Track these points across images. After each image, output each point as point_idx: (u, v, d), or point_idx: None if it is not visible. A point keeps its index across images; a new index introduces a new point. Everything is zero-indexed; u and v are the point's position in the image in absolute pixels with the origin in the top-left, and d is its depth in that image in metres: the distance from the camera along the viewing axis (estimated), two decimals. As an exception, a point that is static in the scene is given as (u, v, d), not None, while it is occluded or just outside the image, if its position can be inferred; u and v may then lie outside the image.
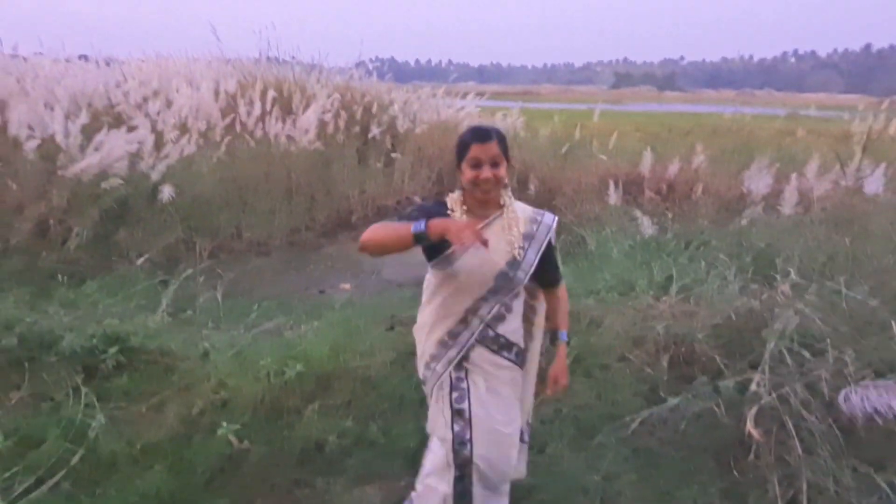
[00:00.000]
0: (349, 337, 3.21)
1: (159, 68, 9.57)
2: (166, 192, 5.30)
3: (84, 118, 5.92)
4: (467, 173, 1.71)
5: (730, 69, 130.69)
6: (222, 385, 2.71)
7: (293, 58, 10.65)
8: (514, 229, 1.77)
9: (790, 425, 2.22)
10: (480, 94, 13.97)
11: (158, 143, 6.24)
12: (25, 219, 4.92)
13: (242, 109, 7.79)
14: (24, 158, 5.39)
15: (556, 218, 1.88)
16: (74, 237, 4.89)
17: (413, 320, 3.63)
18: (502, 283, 1.75)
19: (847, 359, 2.34)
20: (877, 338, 2.55)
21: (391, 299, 4.58)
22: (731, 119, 12.02)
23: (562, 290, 1.96)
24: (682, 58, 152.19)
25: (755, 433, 2.23)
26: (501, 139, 1.74)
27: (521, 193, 7.36)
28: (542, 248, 1.80)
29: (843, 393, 2.13)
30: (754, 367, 2.72)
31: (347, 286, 5.24)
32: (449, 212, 1.76)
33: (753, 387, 2.41)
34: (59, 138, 5.63)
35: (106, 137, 5.62)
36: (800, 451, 2.16)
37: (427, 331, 1.86)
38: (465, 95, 11.93)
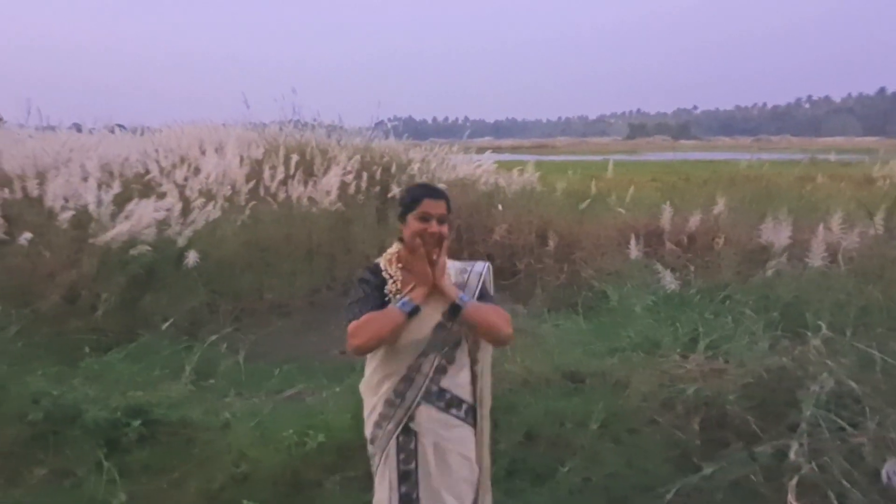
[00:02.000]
0: (370, 404, 3.16)
1: (187, 136, 9.98)
2: (191, 257, 5.41)
3: (116, 188, 6.17)
4: (414, 225, 1.74)
5: (744, 116, 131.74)
6: (243, 457, 2.68)
7: (315, 120, 11.08)
8: (448, 281, 1.78)
9: (833, 498, 2.10)
10: (496, 150, 14.29)
11: (185, 209, 6.43)
12: (56, 286, 5.05)
13: (266, 174, 8.04)
14: (57, 228, 5.59)
15: (488, 265, 1.91)
16: (102, 303, 4.99)
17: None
18: (441, 336, 1.76)
19: (889, 425, 2.23)
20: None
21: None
22: (749, 166, 12.01)
23: (503, 312, 1.84)
24: (695, 107, 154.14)
25: (797, 506, 2.11)
26: (450, 202, 1.82)
27: (540, 248, 7.36)
28: (476, 294, 1.81)
29: (886, 467, 2.01)
30: (791, 429, 2.61)
31: (369, 347, 5.21)
32: (385, 274, 1.79)
33: (792, 455, 2.30)
34: (91, 208, 5.85)
35: (136, 206, 5.82)
36: (846, 526, 2.04)
37: (373, 389, 1.85)
38: (480, 151, 12.19)
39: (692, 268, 5.79)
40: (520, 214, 7.84)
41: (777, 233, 5.43)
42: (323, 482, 2.61)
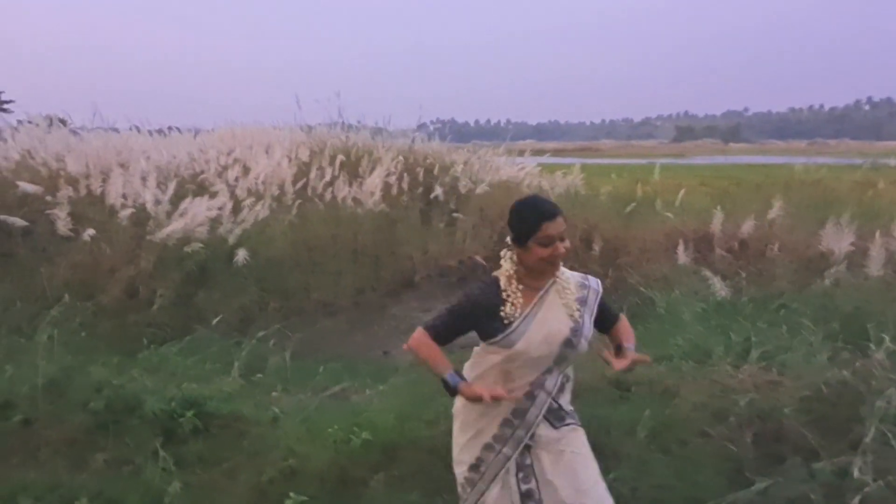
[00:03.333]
0: (414, 404, 3.19)
1: (238, 138, 10.29)
2: (241, 255, 5.58)
3: (172, 187, 6.42)
4: (538, 252, 1.68)
5: (798, 119, 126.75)
6: (291, 452, 2.74)
7: (359, 122, 11.25)
8: (568, 292, 1.77)
9: (902, 519, 2.00)
10: (539, 152, 14.16)
11: (235, 208, 6.63)
12: (117, 281, 5.29)
13: (313, 174, 8.21)
14: (118, 225, 5.86)
15: (599, 281, 1.90)
16: (159, 298, 5.19)
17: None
18: (567, 351, 1.73)
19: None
20: None
21: (454, 361, 4.55)
22: (804, 170, 11.51)
23: (623, 321, 1.94)
24: (746, 109, 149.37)
25: (861, 527, 2.01)
26: (563, 214, 1.76)
27: (585, 253, 7.26)
28: (594, 312, 1.81)
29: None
30: (853, 447, 2.49)
31: (411, 347, 5.25)
32: (502, 292, 1.74)
33: (856, 473, 2.20)
34: (149, 206, 6.11)
35: (190, 205, 6.04)
36: (916, 550, 1.93)
37: (484, 410, 1.76)
38: (522, 153, 12.11)
39: (744, 275, 5.60)
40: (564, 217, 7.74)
41: (837, 240, 5.20)
42: (368, 480, 2.64)
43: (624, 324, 1.92)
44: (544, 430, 1.76)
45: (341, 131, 10.65)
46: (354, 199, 7.86)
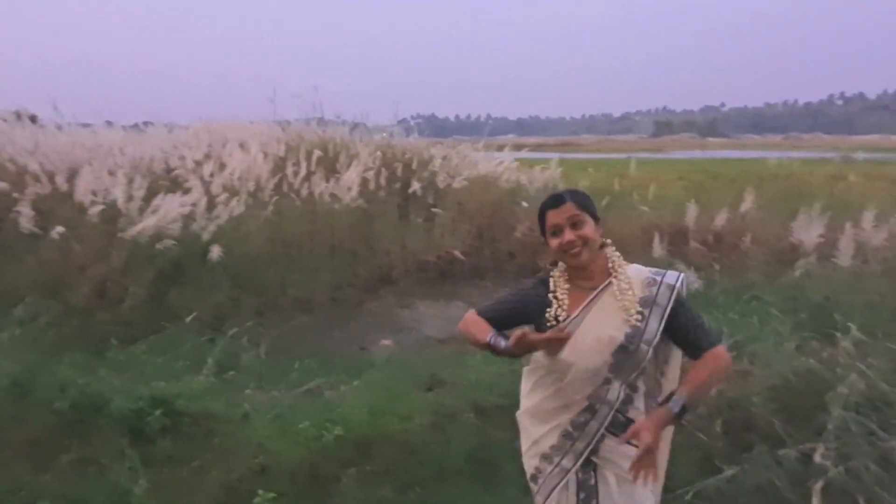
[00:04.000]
0: (388, 399, 3.18)
1: (213, 133, 10.13)
2: (215, 251, 5.50)
3: (144, 183, 6.30)
4: (552, 243, 1.58)
5: (774, 114, 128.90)
6: (262, 449, 2.71)
7: (338, 117, 11.16)
8: (629, 294, 1.55)
9: (862, 503, 2.04)
10: (519, 147, 14.19)
11: (210, 205, 6.53)
12: (87, 279, 5.18)
13: (290, 170, 8.12)
14: (87, 222, 5.73)
15: (682, 276, 1.60)
16: (130, 296, 5.10)
17: (454, 380, 3.60)
18: (624, 360, 1.53)
19: (922, 429, 2.15)
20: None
21: (431, 357, 4.55)
22: (778, 164, 11.74)
23: (712, 354, 1.53)
24: (722, 104, 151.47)
25: (823, 511, 2.05)
26: (579, 199, 1.59)
27: (562, 246, 7.29)
28: (667, 313, 1.54)
29: (919, 471, 1.95)
30: (818, 434, 2.54)
31: (388, 342, 5.23)
32: (550, 294, 1.62)
33: (818, 458, 2.24)
34: (120, 202, 5.99)
35: (163, 201, 5.94)
36: (876, 533, 1.97)
37: (544, 418, 1.65)
38: (502, 148, 12.13)
39: (717, 267, 5.68)
40: (542, 212, 7.78)
41: (807, 232, 5.29)
42: (340, 476, 2.63)
43: (708, 361, 1.52)
44: (611, 444, 1.58)
45: (318, 126, 10.54)
46: (332, 195, 7.79)
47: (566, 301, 1.59)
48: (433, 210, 8.22)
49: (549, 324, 1.59)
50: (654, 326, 1.53)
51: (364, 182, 8.19)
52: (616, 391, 1.56)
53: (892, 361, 2.79)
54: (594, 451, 1.59)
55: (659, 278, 1.59)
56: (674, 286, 1.56)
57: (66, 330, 4.28)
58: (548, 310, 1.60)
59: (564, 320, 1.57)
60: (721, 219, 6.66)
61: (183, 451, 2.75)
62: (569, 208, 1.56)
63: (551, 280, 1.64)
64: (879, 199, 6.85)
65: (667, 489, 2.57)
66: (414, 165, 9.42)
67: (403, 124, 12.01)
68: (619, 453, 1.57)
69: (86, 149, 7.94)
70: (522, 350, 1.54)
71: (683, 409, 1.46)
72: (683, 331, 1.55)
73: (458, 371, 3.69)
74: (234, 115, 11.55)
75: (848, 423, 2.36)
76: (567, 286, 1.61)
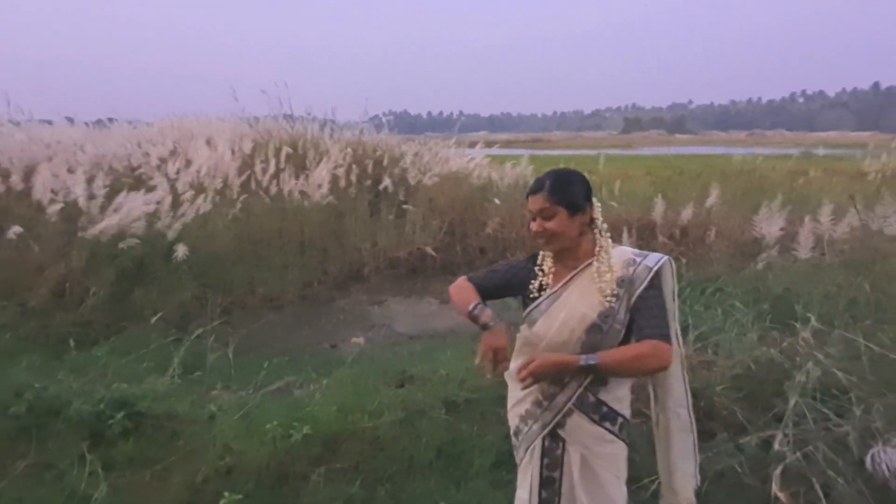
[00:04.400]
0: (358, 396, 3.15)
1: (178, 129, 9.92)
2: (181, 250, 5.38)
3: (106, 181, 6.13)
4: (530, 225, 1.63)
5: (738, 111, 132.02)
6: (228, 450, 2.66)
7: (308, 114, 11.02)
8: (607, 276, 1.57)
9: (818, 487, 2.10)
10: (490, 144, 14.23)
11: (175, 203, 6.40)
12: (45, 280, 5.02)
13: (258, 167, 8.00)
14: (46, 221, 5.55)
15: (665, 258, 1.59)
16: (91, 297, 4.96)
17: (424, 376, 3.59)
18: (597, 339, 1.56)
19: (874, 414, 2.23)
20: (904, 390, 2.44)
21: (402, 353, 4.53)
22: (742, 160, 12.02)
23: (651, 342, 1.50)
24: (690, 101, 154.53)
25: (781, 495, 2.11)
26: (556, 191, 1.58)
27: (532, 242, 7.34)
28: (638, 293, 1.55)
29: (871, 452, 2.01)
30: (778, 420, 2.61)
31: (360, 340, 5.20)
32: (537, 267, 1.68)
33: (777, 445, 2.30)
34: (80, 201, 5.81)
35: (125, 199, 5.78)
36: (830, 515, 2.04)
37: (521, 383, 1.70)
38: (474, 145, 12.15)
39: (684, 260, 5.80)
40: (512, 208, 7.82)
41: (769, 225, 5.43)
42: (308, 474, 2.60)
43: (644, 343, 1.51)
44: (579, 422, 1.62)
45: (287, 123, 10.40)
46: (301, 192, 7.70)
47: (550, 276, 1.66)
48: (404, 206, 8.20)
49: (531, 295, 1.66)
50: (626, 308, 1.57)
51: (334, 179, 8.12)
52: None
53: (847, 350, 2.88)
54: (560, 425, 1.63)
55: (640, 259, 1.60)
56: (651, 268, 1.57)
57: (23, 332, 4.15)
58: (532, 281, 1.67)
59: (544, 294, 1.64)
60: (687, 213, 6.80)
61: (146, 454, 2.69)
62: (539, 200, 1.59)
63: (541, 255, 1.70)
64: (837, 194, 7.08)
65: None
66: (385, 162, 9.38)
67: (375, 121, 11.93)
68: (587, 432, 1.61)
69: (44, 145, 7.71)
70: (486, 338, 1.62)
71: (590, 368, 1.48)
72: (638, 312, 1.56)
73: (429, 367, 3.68)
74: (201, 112, 11.29)
75: (805, 411, 2.43)
76: (552, 263, 1.67)
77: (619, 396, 1.63)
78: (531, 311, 1.65)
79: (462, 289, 1.74)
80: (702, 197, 7.08)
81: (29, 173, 6.30)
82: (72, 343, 3.60)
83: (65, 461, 2.58)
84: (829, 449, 2.21)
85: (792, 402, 2.42)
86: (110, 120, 11.64)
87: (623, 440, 1.68)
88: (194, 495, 2.44)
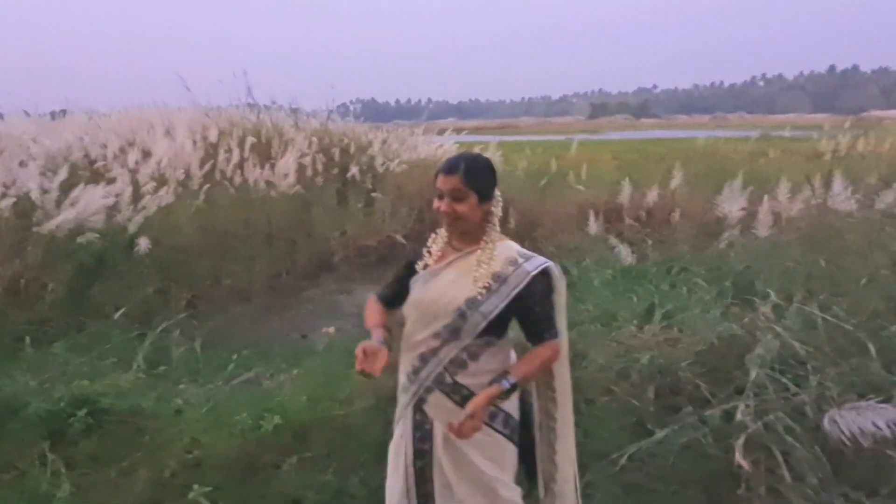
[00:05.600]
0: (328, 385, 3.13)
1: (136, 120, 9.61)
2: (143, 244, 5.23)
3: (62, 174, 5.90)
4: (434, 203, 1.65)
5: (702, 95, 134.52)
6: (195, 443, 2.62)
7: (273, 103, 10.81)
8: (484, 266, 1.62)
9: (777, 454, 2.18)
10: (459, 130, 14.21)
11: (136, 195, 6.21)
12: (-2, 278, 4.82)
13: (221, 157, 7.82)
14: (-3, 217, 5.32)
15: (546, 266, 1.63)
16: (49, 294, 4.78)
17: (395, 363, 3.59)
18: (460, 324, 1.61)
19: (829, 382, 2.31)
20: (857, 359, 2.54)
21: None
22: (705, 143, 12.29)
23: (546, 346, 1.63)
24: (655, 86, 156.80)
25: (744, 464, 2.18)
26: (472, 174, 1.60)
27: (502, 227, 7.38)
28: (512, 294, 1.59)
29: (826, 416, 2.10)
30: (739, 393, 2.69)
31: (330, 329, 5.15)
32: (425, 248, 1.74)
33: (739, 415, 2.37)
34: (34, 195, 5.58)
35: (82, 192, 5.58)
36: (789, 479, 2.11)
37: (404, 353, 1.76)
38: (442, 132, 12.11)
39: (649, 242, 5.90)
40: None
41: (731, 205, 5.57)
42: (279, 464, 2.57)
43: (539, 351, 1.63)
44: (438, 399, 1.67)
45: (251, 112, 10.19)
46: (267, 182, 7.57)
47: (437, 254, 1.71)
48: (372, 195, 8.13)
49: (415, 271, 1.72)
50: (495, 302, 1.59)
51: (301, 168, 8.00)
52: (448, 351, 1.64)
53: (804, 323, 2.98)
54: (423, 401, 1.69)
55: (522, 261, 1.63)
56: (530, 272, 1.61)
57: (-25, 332, 3.98)
58: (419, 262, 1.72)
59: (426, 270, 1.69)
60: (652, 195, 6.91)
61: (109, 452, 2.62)
62: (454, 180, 1.59)
63: (433, 237, 1.76)
64: (795, 173, 7.29)
65: (600, 454, 2.68)
66: (352, 150, 9.28)
67: (342, 109, 11.80)
68: (449, 412, 1.63)
69: (-7, 138, 7.37)
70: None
71: (513, 388, 1.55)
72: (526, 316, 1.64)
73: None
74: (158, 102, 10.94)
75: (764, 381, 2.51)
76: (442, 244, 1.72)
77: (483, 385, 1.59)
78: (412, 283, 1.72)
79: (368, 308, 1.84)
80: (666, 179, 7.21)
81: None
82: (27, 341, 3.48)
83: (25, 461, 2.50)
84: (788, 417, 2.29)
85: (753, 374, 2.50)
86: (63, 112, 11.23)
87: (506, 437, 1.68)
88: (161, 490, 2.39)
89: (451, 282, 1.64)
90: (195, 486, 2.31)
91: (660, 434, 2.62)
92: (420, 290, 1.68)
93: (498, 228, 1.69)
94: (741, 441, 2.30)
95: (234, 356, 3.98)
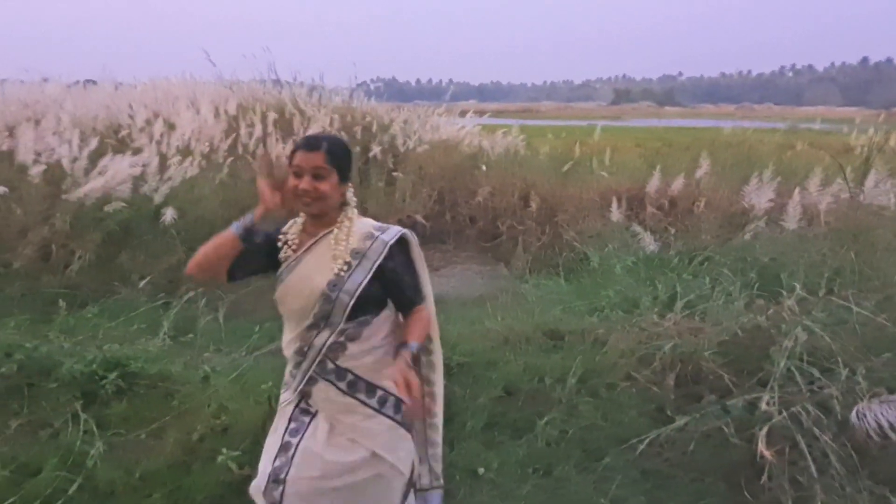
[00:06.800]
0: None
1: (161, 91, 9.67)
2: (169, 214, 5.30)
3: (92, 143, 5.99)
4: (291, 182, 1.56)
5: (728, 84, 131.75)
6: (223, 410, 2.68)
7: (295, 79, 10.81)
8: (342, 244, 1.59)
9: (803, 445, 2.17)
10: (480, 113, 14.08)
11: (161, 166, 6.28)
12: (29, 242, 4.93)
13: (244, 131, 7.86)
14: (29, 183, 5.42)
15: (402, 233, 1.65)
16: (77, 261, 4.89)
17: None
18: (328, 308, 1.57)
19: (858, 376, 2.29)
20: (887, 354, 2.51)
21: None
22: (731, 133, 12.06)
23: (420, 311, 1.68)
24: (680, 73, 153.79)
25: (767, 453, 2.18)
26: (335, 152, 1.57)
27: (522, 211, 7.36)
28: (374, 269, 1.58)
29: (855, 410, 2.08)
30: (763, 385, 2.68)
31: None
32: (281, 234, 1.66)
33: (763, 406, 2.36)
34: (65, 163, 5.68)
35: (111, 161, 5.66)
36: (813, 471, 2.11)
37: (286, 353, 1.71)
38: (464, 114, 12.02)
39: (672, 230, 5.85)
40: (503, 177, 7.80)
41: (758, 197, 5.48)
42: (303, 434, 2.62)
43: (419, 317, 1.66)
44: (323, 389, 1.63)
45: (273, 87, 10.20)
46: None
47: (295, 242, 1.64)
48: (393, 174, 8.13)
49: (279, 263, 1.65)
50: (359, 279, 1.57)
51: (323, 145, 8.00)
52: (325, 337, 1.59)
53: (832, 315, 2.94)
54: (308, 394, 1.65)
55: (378, 233, 1.63)
56: (387, 243, 1.60)
57: (9, 294, 4.09)
58: (280, 253, 1.64)
59: (286, 262, 1.63)
60: (677, 184, 6.82)
61: (140, 414, 2.70)
62: (317, 158, 1.54)
63: (290, 223, 1.68)
64: (825, 167, 7.14)
65: (620, 439, 2.70)
66: (374, 129, 9.26)
67: (363, 87, 11.74)
68: (337, 404, 1.62)
69: (23, 105, 7.48)
70: (259, 214, 1.57)
71: (419, 351, 1.64)
72: (390, 285, 1.63)
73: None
74: (184, 74, 10.99)
75: (793, 372, 2.49)
76: (300, 229, 1.65)
77: (369, 366, 1.62)
78: (276, 278, 1.66)
79: (204, 245, 1.64)
80: (691, 168, 7.11)
81: (9, 134, 6.12)
82: (62, 304, 3.56)
83: (58, 420, 2.58)
84: (815, 409, 2.28)
85: (782, 364, 2.48)
86: (89, 81, 11.31)
87: (390, 417, 1.65)
88: (190, 453, 2.46)
89: (311, 268, 1.59)
90: (224, 451, 2.37)
91: (680, 421, 2.62)
92: (284, 285, 1.63)
93: (355, 209, 1.65)
94: (764, 431, 2.30)
95: (257, 328, 4.04)
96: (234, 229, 1.56)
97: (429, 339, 1.79)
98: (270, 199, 1.55)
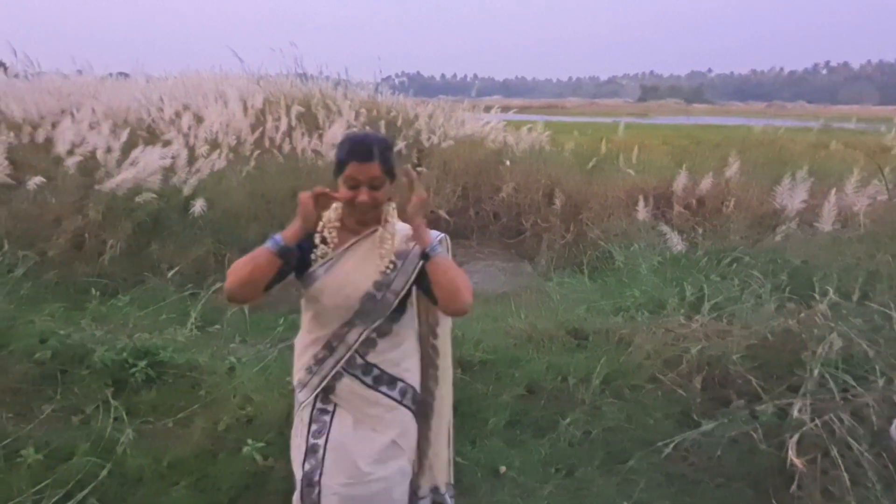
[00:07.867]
0: (375, 353, 3.18)
1: (190, 85, 9.83)
2: (198, 205, 5.38)
3: (125, 135, 6.12)
4: (343, 192, 1.53)
5: (759, 81, 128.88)
6: (248, 401, 2.71)
7: (321, 73, 10.90)
8: (388, 244, 1.58)
9: (835, 454, 2.12)
10: (505, 108, 14.03)
11: (191, 158, 6.38)
12: (63, 231, 5.06)
13: (270, 125, 7.94)
14: (64, 173, 5.56)
15: (443, 236, 1.63)
16: (108, 250, 5.00)
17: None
18: (370, 307, 1.57)
19: (895, 387, 2.22)
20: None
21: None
22: (762, 132, 11.78)
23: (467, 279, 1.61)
24: (709, 70, 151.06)
25: (798, 462, 2.12)
26: (386, 159, 1.53)
27: (546, 208, 7.30)
28: (416, 270, 1.58)
29: (895, 422, 2.02)
30: (793, 391, 2.61)
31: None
32: (317, 234, 1.59)
33: (795, 412, 2.31)
34: (99, 154, 5.82)
35: (142, 153, 5.77)
36: (847, 482, 2.05)
37: (299, 351, 1.69)
38: (488, 109, 11.98)
39: (700, 230, 5.74)
40: (527, 173, 7.76)
41: (790, 197, 5.35)
42: (327, 427, 2.64)
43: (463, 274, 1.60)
44: (348, 384, 1.62)
45: (299, 81, 10.29)
46: (314, 151, 7.66)
47: (334, 239, 1.59)
48: (418, 169, 8.13)
49: (312, 259, 1.58)
50: (403, 280, 1.58)
51: (348, 139, 8.05)
52: (357, 334, 1.59)
53: (867, 322, 2.86)
54: (330, 389, 1.62)
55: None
56: (430, 243, 1.56)
57: (43, 281, 4.20)
58: (314, 252, 1.59)
59: (324, 258, 1.58)
60: (705, 183, 6.69)
61: (168, 402, 2.75)
62: (373, 169, 1.51)
63: (323, 217, 1.60)
64: (860, 167, 6.94)
65: (645, 441, 2.66)
66: (399, 123, 9.28)
67: (388, 82, 11.77)
68: (360, 397, 1.62)
69: (60, 96, 7.67)
70: (294, 234, 1.50)
71: (428, 256, 1.51)
72: (427, 283, 1.57)
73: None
74: (212, 68, 11.15)
75: (826, 378, 2.43)
76: (338, 225, 1.60)
77: (393, 360, 1.63)
78: (310, 273, 1.58)
79: (237, 262, 1.53)
80: (720, 167, 6.96)
81: (53, 125, 6.29)
82: (95, 293, 3.65)
83: (90, 406, 2.65)
84: (849, 418, 2.21)
85: (815, 372, 2.42)
86: (120, 74, 11.57)
87: (408, 408, 1.67)
88: (216, 442, 2.50)
89: (354, 267, 1.57)
90: (249, 441, 2.40)
91: (708, 426, 2.57)
92: (320, 282, 1.58)
93: (394, 205, 1.62)
94: (795, 438, 2.24)
95: (281, 320, 4.09)
96: (270, 247, 1.49)
97: (435, 351, 1.79)
98: (309, 217, 1.50)
